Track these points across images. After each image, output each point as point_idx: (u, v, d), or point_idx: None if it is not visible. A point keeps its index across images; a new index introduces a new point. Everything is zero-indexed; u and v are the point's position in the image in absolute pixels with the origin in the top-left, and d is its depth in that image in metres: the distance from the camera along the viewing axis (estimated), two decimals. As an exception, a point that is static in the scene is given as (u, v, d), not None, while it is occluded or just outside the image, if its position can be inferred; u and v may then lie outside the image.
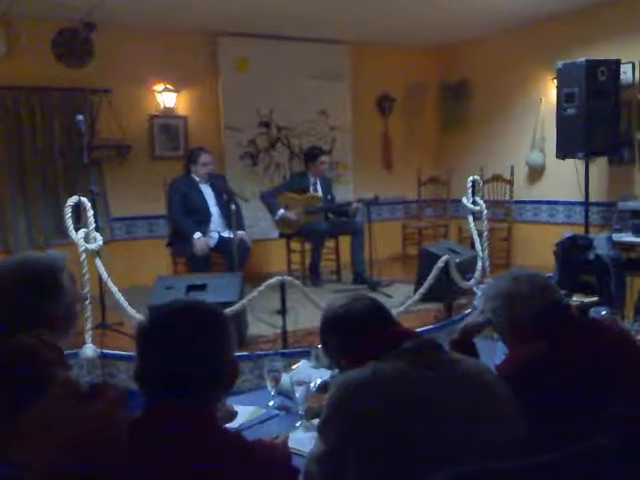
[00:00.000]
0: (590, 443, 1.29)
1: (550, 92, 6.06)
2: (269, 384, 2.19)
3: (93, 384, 0.72)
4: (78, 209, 4.16)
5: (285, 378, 2.22)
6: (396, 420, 1.42)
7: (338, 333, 1.70)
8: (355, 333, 1.64)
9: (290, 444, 1.74)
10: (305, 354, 2.76)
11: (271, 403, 2.20)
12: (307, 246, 5.84)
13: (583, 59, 5.18)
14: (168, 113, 6.24)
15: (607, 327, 1.93)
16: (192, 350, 1.26)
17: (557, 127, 5.45)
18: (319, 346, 2.53)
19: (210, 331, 1.31)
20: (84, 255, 3.96)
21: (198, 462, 1.09)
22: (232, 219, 4.81)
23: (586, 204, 5.50)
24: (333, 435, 1.47)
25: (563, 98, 5.33)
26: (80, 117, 4.37)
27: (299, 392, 2.07)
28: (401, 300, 4.70)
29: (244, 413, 2.10)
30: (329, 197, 5.97)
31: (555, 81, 5.58)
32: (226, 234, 5.24)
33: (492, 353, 2.11)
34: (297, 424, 2.02)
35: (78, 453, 0.64)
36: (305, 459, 1.55)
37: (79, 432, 0.63)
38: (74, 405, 0.65)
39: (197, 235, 5.11)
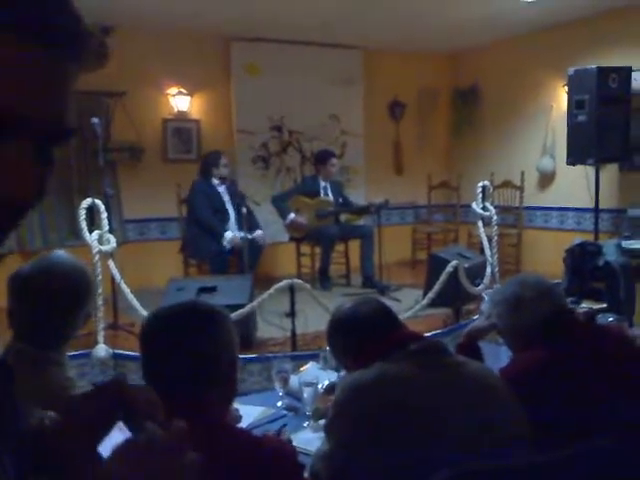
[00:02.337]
0: (587, 445, 1.32)
1: (561, 98, 6.07)
2: (277, 385, 2.23)
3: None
4: (92, 211, 4.22)
5: (294, 379, 2.26)
6: (400, 420, 1.46)
7: (345, 335, 1.74)
8: (361, 335, 1.68)
9: (297, 443, 1.78)
10: (314, 357, 2.80)
11: (279, 404, 2.24)
12: (317, 250, 5.88)
13: (594, 66, 5.19)
14: (181, 116, 6.31)
15: (611, 333, 1.96)
16: (187, 347, 1.29)
17: (568, 133, 5.46)
18: (327, 348, 2.58)
19: (207, 329, 1.34)
20: (97, 257, 4.02)
21: (208, 457, 1.13)
22: (243, 221, 4.88)
23: (596, 210, 5.50)
24: (338, 434, 1.51)
25: (574, 104, 5.33)
26: (96, 120, 4.43)
27: (307, 393, 2.11)
28: (410, 304, 4.73)
29: (253, 413, 2.14)
30: (340, 200, 6.02)
31: (566, 87, 5.59)
32: (239, 235, 5.31)
33: (497, 357, 2.15)
34: (305, 424, 2.06)
35: None
36: (312, 457, 1.60)
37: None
38: (153, 458, 0.59)
39: (229, 234, 5.24)
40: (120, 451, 0.59)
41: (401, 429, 1.46)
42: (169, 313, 1.40)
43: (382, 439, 1.46)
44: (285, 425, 2.04)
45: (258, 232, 5.22)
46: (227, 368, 1.33)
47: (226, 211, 5.46)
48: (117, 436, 0.65)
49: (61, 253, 1.77)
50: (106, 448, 0.63)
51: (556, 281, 4.22)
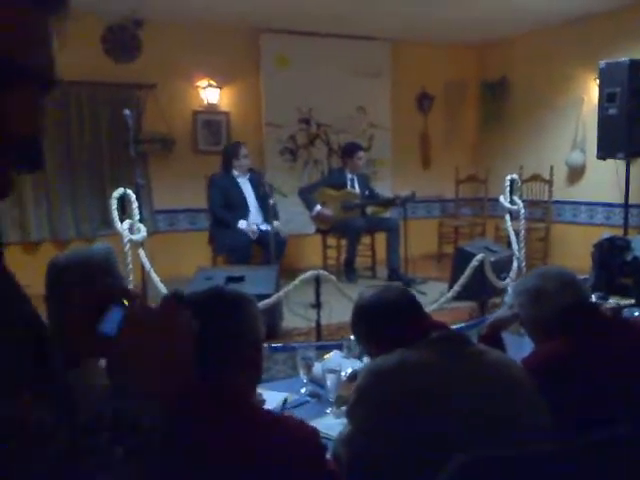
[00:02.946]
0: (606, 433, 1.33)
1: (592, 92, 5.99)
2: (301, 372, 2.28)
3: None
4: (123, 201, 4.31)
5: (317, 367, 2.31)
6: (420, 407, 1.49)
7: (368, 321, 1.77)
8: (385, 322, 1.71)
9: (320, 428, 1.82)
10: (338, 347, 2.84)
11: (303, 390, 2.28)
12: (343, 242, 5.91)
13: (626, 59, 5.11)
14: (211, 109, 6.39)
15: (635, 327, 1.96)
16: (214, 331, 1.32)
17: (598, 127, 5.39)
18: (351, 337, 2.62)
19: (233, 314, 1.38)
20: (128, 245, 4.11)
21: (234, 435, 1.18)
22: (269, 212, 4.94)
23: (626, 205, 5.44)
24: (360, 418, 1.54)
25: (605, 98, 5.27)
26: (127, 111, 4.51)
27: (330, 380, 2.15)
28: (435, 297, 4.74)
29: (277, 399, 2.19)
30: (366, 193, 6.04)
31: (597, 80, 5.52)
32: (264, 227, 5.36)
33: (520, 348, 2.16)
34: (327, 410, 2.10)
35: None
36: (334, 441, 1.64)
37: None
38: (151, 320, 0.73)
39: (242, 224, 5.27)
40: (125, 321, 0.71)
41: (421, 416, 1.48)
42: (196, 298, 1.44)
43: (402, 426, 1.49)
44: (286, 400, 2.11)
45: (275, 223, 5.26)
46: (253, 352, 1.37)
47: (245, 204, 5.50)
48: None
49: (95, 246, 1.85)
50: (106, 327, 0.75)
51: (584, 276, 4.19)
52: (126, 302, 0.76)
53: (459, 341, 1.64)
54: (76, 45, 5.62)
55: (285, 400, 2.13)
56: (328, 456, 1.47)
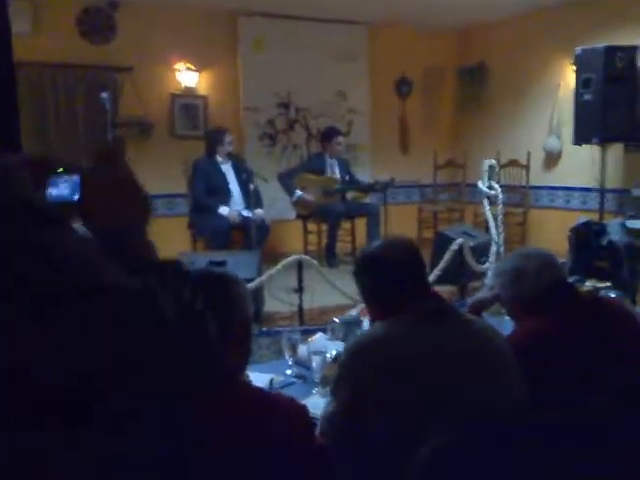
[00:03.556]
0: (579, 409, 1.37)
1: (568, 77, 6.06)
2: (287, 353, 2.30)
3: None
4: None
5: (302, 349, 2.33)
6: (402, 381, 1.50)
7: (370, 275, 1.73)
8: (387, 280, 1.68)
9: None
10: (322, 331, 2.86)
11: (289, 372, 2.30)
12: (323, 227, 5.93)
13: (602, 45, 5.18)
14: (189, 93, 6.32)
15: (611, 305, 2.01)
16: (199, 306, 1.34)
17: (574, 113, 5.47)
18: (335, 320, 2.65)
19: (221, 292, 1.38)
20: (107, 230, 4.07)
21: (222, 411, 1.19)
22: (251, 198, 4.93)
23: (601, 190, 5.53)
24: (344, 393, 1.56)
25: (581, 83, 5.34)
26: (105, 94, 4.47)
27: (315, 361, 2.17)
28: (415, 281, 4.77)
29: (263, 380, 2.20)
30: (347, 178, 6.05)
31: (573, 66, 5.59)
32: (245, 213, 5.35)
33: (500, 328, 2.20)
34: (313, 391, 2.13)
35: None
36: (319, 419, 1.66)
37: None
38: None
39: (224, 210, 5.24)
40: (85, 182, 0.84)
41: (403, 392, 1.49)
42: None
43: (384, 402, 1.50)
44: (272, 381, 2.15)
45: (258, 211, 5.25)
46: (242, 330, 1.39)
47: (228, 189, 5.49)
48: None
49: None
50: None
51: (561, 260, 4.27)
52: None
53: (452, 313, 1.66)
54: (51, 27, 5.59)
55: (271, 381, 2.15)
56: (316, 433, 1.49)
